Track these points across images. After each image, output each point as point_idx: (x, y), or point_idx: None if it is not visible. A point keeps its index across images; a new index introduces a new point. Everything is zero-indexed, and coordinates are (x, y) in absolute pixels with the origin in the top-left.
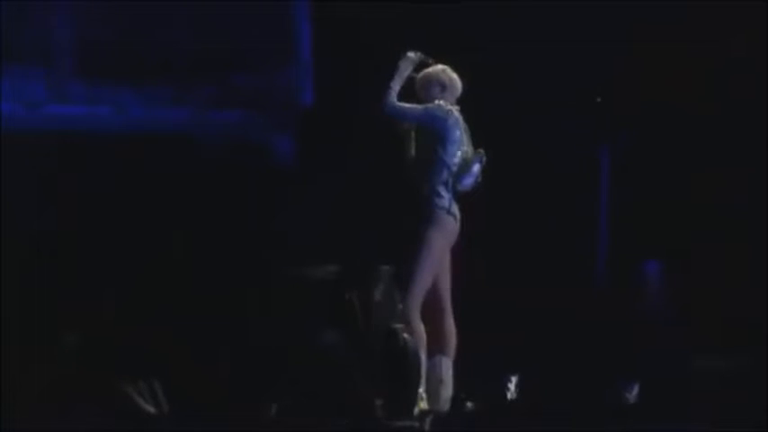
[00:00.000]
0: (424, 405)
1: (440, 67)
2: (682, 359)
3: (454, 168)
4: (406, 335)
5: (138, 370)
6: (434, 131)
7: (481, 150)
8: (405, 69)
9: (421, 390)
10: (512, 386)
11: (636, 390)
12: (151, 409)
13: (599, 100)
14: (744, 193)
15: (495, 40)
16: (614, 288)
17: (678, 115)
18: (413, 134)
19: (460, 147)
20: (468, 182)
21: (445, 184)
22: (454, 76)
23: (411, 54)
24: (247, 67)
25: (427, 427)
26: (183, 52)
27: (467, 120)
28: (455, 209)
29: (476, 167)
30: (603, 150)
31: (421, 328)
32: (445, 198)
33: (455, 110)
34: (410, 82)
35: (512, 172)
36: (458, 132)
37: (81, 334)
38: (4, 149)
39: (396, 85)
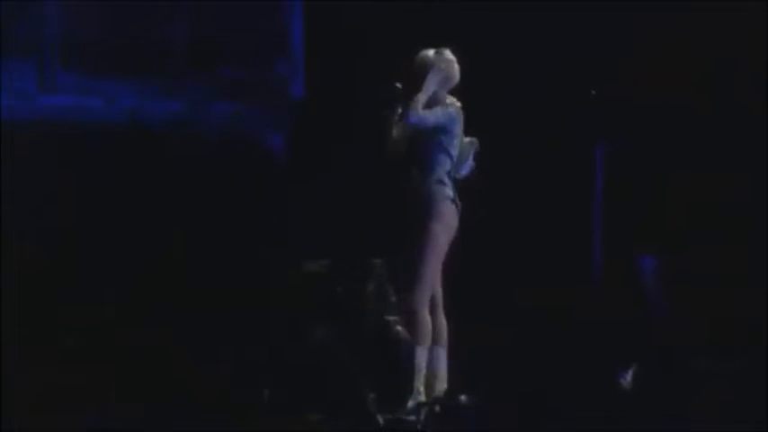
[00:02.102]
0: (421, 398)
1: (435, 54)
2: (681, 359)
3: (455, 159)
4: (399, 327)
5: (135, 368)
6: (443, 127)
7: (475, 139)
8: (433, 79)
9: (418, 383)
10: (508, 383)
11: (629, 376)
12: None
13: (593, 92)
14: (744, 193)
15: (490, 39)
16: (613, 287)
17: (676, 114)
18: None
19: (461, 138)
20: (466, 170)
21: (448, 173)
22: (456, 66)
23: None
24: (240, 60)
25: (422, 420)
26: (174, 45)
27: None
28: (457, 198)
29: (471, 156)
30: (600, 149)
31: (429, 321)
32: (449, 187)
33: (458, 104)
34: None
35: (509, 170)
36: (460, 126)
37: (77, 330)
38: None
39: (423, 97)
